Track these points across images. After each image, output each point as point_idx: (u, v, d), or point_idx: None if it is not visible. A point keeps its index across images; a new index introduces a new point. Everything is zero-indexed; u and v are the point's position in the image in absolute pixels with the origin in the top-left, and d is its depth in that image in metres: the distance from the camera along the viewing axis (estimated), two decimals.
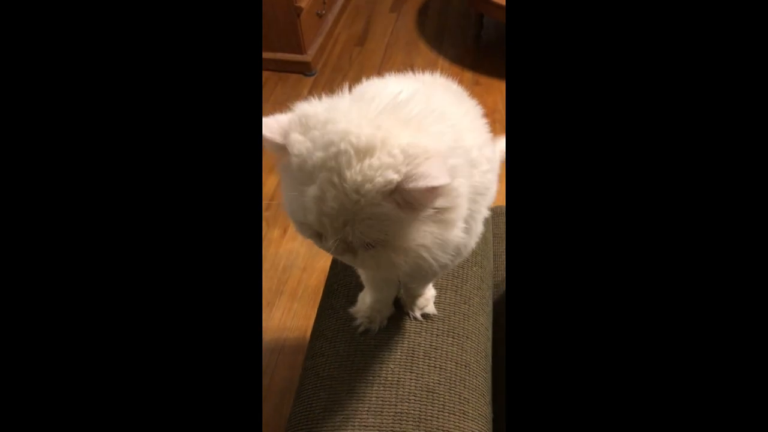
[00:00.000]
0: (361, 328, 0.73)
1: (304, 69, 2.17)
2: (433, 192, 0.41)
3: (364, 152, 0.41)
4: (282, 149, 0.45)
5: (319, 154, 0.42)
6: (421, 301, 0.75)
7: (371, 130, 0.42)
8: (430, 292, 0.76)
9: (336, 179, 0.42)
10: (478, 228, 0.56)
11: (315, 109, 0.46)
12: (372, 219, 0.42)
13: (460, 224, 0.47)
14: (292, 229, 1.71)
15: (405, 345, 0.72)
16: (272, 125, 0.46)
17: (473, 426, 0.68)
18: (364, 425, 0.64)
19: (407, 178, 0.41)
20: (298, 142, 0.44)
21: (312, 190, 0.43)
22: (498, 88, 2.08)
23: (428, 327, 0.74)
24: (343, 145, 0.41)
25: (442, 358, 0.72)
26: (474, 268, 0.84)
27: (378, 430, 0.64)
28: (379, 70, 2.22)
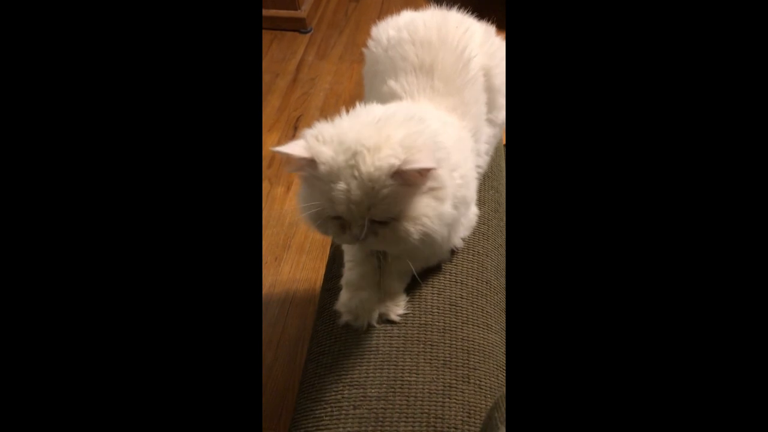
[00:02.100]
0: (342, 322, 0.67)
1: (299, 26, 2.12)
2: (423, 173, 0.56)
3: (373, 150, 0.55)
4: (308, 162, 0.57)
5: (341, 157, 0.55)
6: (385, 302, 0.67)
7: (376, 133, 0.56)
8: (400, 298, 0.68)
9: (356, 173, 0.54)
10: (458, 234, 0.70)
11: (326, 128, 0.59)
12: (387, 198, 0.55)
13: (449, 202, 0.60)
14: (295, 185, 1.69)
15: None
16: (295, 147, 0.57)
17: (497, 339, 0.68)
18: (389, 335, 0.64)
19: (404, 162, 0.54)
20: (323, 152, 0.56)
21: (340, 185, 0.54)
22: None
23: None
24: (358, 147, 0.55)
25: (463, 274, 0.71)
26: (490, 192, 0.83)
27: (404, 339, 0.63)
28: None
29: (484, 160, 0.79)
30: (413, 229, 0.57)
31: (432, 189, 0.58)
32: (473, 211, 0.74)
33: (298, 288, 1.45)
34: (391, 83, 0.72)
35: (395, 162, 0.54)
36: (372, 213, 0.55)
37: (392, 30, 0.78)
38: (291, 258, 1.51)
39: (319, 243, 1.53)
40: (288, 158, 0.57)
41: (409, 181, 0.56)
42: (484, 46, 0.77)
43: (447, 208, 0.59)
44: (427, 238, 0.58)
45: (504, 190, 0.88)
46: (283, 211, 1.62)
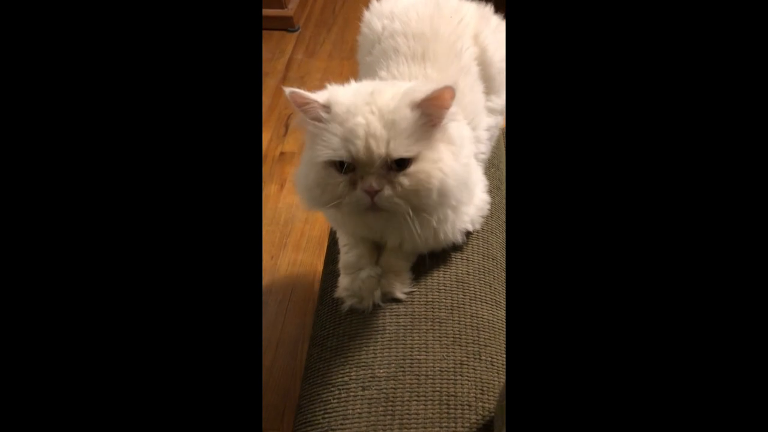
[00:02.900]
0: (346, 308, 0.64)
1: (286, 25, 2.10)
2: (443, 96, 0.55)
3: (391, 86, 0.58)
4: (321, 107, 0.57)
5: (358, 98, 0.56)
6: (390, 280, 0.64)
7: (390, 83, 0.61)
8: (405, 275, 0.65)
9: (374, 108, 0.55)
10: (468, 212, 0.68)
11: (337, 87, 0.60)
12: (406, 131, 0.54)
13: (462, 160, 0.60)
14: (289, 183, 1.67)
15: None
16: (314, 94, 0.58)
17: (505, 315, 0.66)
18: (396, 314, 0.61)
19: (424, 92, 0.54)
20: (341, 95, 0.57)
21: (359, 119, 0.54)
22: None
23: None
24: (376, 87, 0.58)
25: (469, 250, 0.69)
26: (491, 170, 0.81)
27: (411, 318, 0.61)
28: None
29: (486, 146, 0.77)
30: (433, 172, 0.55)
31: (446, 142, 0.58)
32: (483, 198, 0.70)
33: (296, 286, 1.42)
34: (382, 74, 0.71)
35: (414, 92, 0.55)
36: (392, 148, 0.54)
37: (386, 19, 0.76)
38: (287, 256, 1.48)
39: (316, 240, 1.50)
40: (300, 102, 0.56)
41: (429, 111, 0.55)
42: (479, 37, 0.75)
43: (460, 164, 0.58)
44: (444, 189, 0.56)
45: (504, 169, 0.86)
46: (278, 209, 1.59)
